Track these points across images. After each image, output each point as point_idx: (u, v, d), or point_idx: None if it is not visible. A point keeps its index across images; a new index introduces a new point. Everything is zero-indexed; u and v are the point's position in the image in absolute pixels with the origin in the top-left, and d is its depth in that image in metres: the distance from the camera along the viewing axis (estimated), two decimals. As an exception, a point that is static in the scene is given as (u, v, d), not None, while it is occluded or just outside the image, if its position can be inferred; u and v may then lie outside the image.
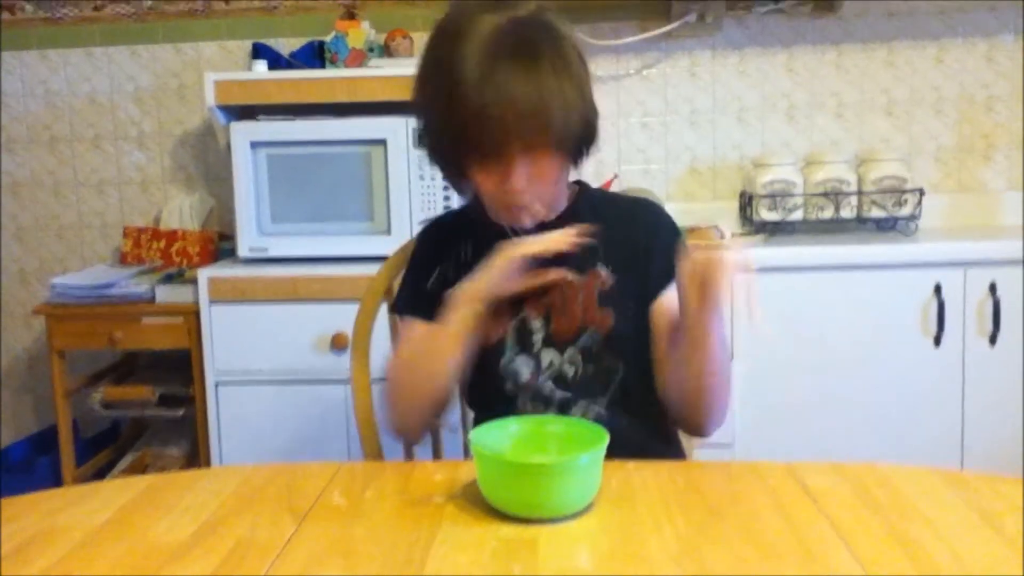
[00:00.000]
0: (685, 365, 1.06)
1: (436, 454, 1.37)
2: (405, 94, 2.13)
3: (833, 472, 0.95)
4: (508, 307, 1.15)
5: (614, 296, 1.15)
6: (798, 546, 0.78)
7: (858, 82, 2.45)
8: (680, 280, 1.01)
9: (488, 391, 1.18)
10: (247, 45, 2.51)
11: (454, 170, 1.15)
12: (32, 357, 2.70)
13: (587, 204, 1.22)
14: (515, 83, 1.03)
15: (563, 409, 1.15)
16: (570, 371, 1.16)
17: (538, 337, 1.17)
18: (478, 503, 0.88)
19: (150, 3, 2.57)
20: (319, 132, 2.12)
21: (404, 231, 2.08)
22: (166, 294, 2.19)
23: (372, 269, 1.39)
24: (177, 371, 2.29)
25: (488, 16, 1.07)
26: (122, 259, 2.49)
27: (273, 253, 2.15)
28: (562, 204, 1.20)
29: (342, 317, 2.00)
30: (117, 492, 0.96)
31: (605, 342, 1.15)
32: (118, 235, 2.60)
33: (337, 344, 2.03)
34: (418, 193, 2.10)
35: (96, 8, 2.58)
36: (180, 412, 2.27)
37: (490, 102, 1.02)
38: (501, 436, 0.93)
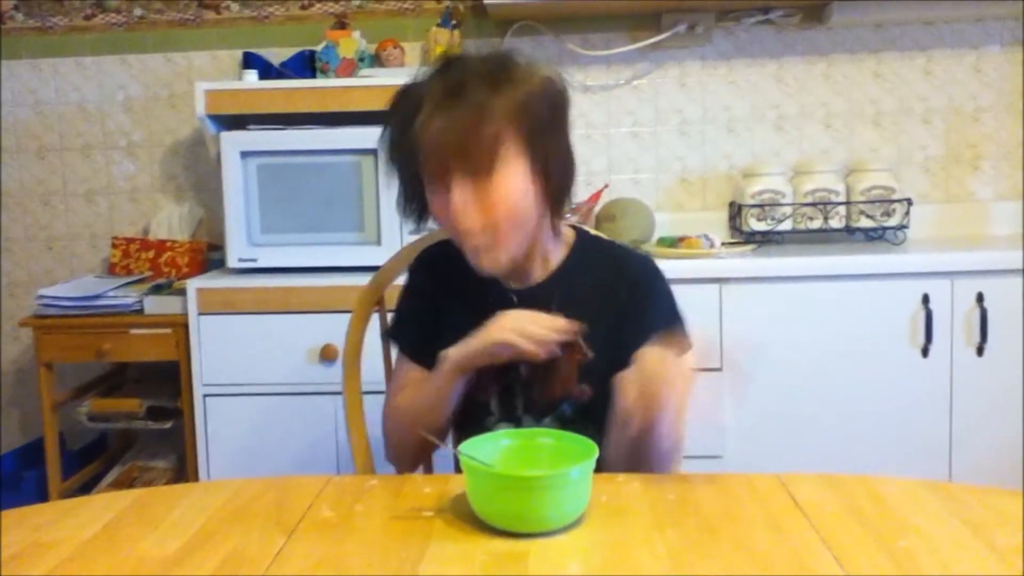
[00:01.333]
0: (620, 443, 1.06)
1: (427, 467, 1.36)
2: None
3: (823, 483, 0.95)
4: (497, 369, 1.15)
5: (594, 368, 1.14)
6: (789, 558, 0.78)
7: (846, 92, 2.47)
8: (622, 383, 1.01)
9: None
10: (238, 55, 2.51)
11: (419, 205, 1.16)
12: (19, 369, 2.68)
13: (579, 260, 1.20)
14: (458, 106, 1.05)
15: None
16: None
17: (519, 403, 1.18)
18: (468, 517, 0.87)
19: (141, 12, 2.56)
20: (310, 142, 2.12)
21: (394, 241, 2.08)
22: (155, 305, 2.18)
23: (362, 280, 1.39)
24: (165, 383, 2.28)
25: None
26: (110, 270, 2.48)
27: (263, 263, 2.14)
28: (555, 255, 1.20)
29: (331, 328, 2.00)
30: (104, 506, 0.95)
31: (582, 412, 1.16)
32: (107, 246, 2.59)
33: (326, 356, 2.03)
34: (408, 203, 2.09)
35: (87, 17, 2.57)
36: (168, 424, 2.25)
37: (432, 116, 1.06)
38: (491, 449, 0.93)
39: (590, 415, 1.14)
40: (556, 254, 1.20)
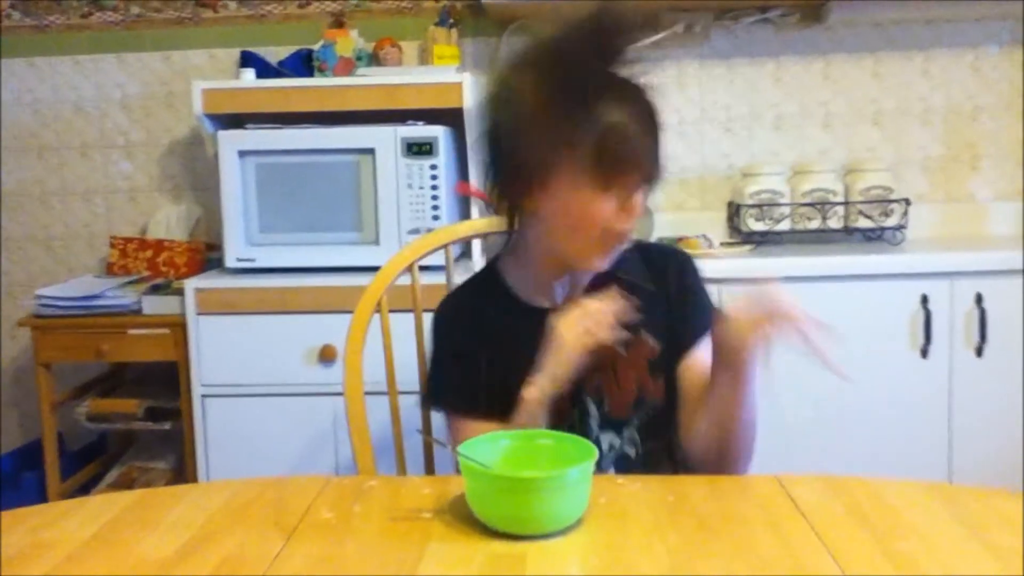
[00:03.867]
0: (713, 426, 1.06)
1: (428, 469, 1.36)
2: (394, 103, 2.15)
3: (822, 485, 0.95)
4: (566, 393, 1.09)
5: (659, 365, 1.12)
6: (788, 561, 0.78)
7: (845, 92, 2.47)
8: (715, 347, 1.00)
9: None
10: (235, 53, 2.50)
11: (530, 199, 1.09)
12: (18, 369, 2.68)
13: (626, 258, 1.16)
14: (634, 108, 1.04)
15: None
16: (631, 451, 1.14)
17: (594, 421, 1.13)
18: (467, 518, 0.87)
19: (138, 11, 2.56)
20: (307, 141, 2.12)
21: (393, 241, 2.08)
22: (153, 305, 2.18)
23: (361, 279, 1.38)
24: (164, 384, 2.27)
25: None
26: (109, 270, 2.47)
27: (261, 263, 2.14)
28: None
29: (330, 329, 1.99)
30: (103, 507, 0.95)
31: (659, 414, 1.12)
32: (105, 245, 2.59)
33: (325, 356, 2.02)
34: (407, 203, 2.09)
35: (84, 16, 2.57)
36: (167, 425, 2.25)
37: (627, 121, 1.03)
38: (490, 451, 0.93)
39: (663, 417, 1.12)
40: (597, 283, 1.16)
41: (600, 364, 1.10)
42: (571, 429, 1.11)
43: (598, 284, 1.13)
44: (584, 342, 1.04)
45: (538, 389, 1.07)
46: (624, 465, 1.13)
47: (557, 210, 1.08)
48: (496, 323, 1.16)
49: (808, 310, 0.97)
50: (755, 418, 1.07)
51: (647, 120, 1.06)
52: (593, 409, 1.13)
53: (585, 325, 1.05)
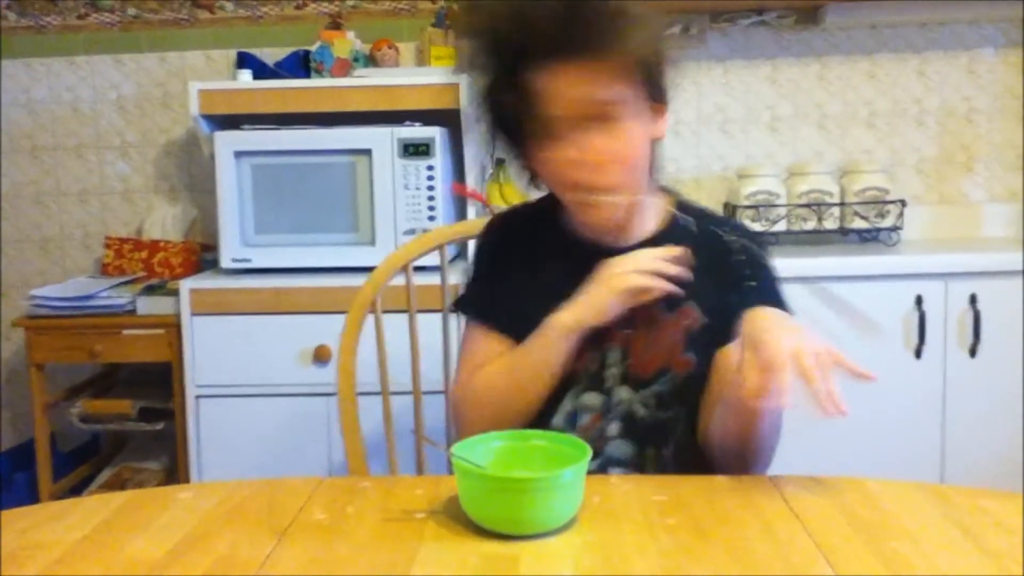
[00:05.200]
0: (732, 424, 1.01)
1: (419, 469, 1.36)
2: (390, 104, 2.15)
3: (816, 486, 0.95)
4: (591, 337, 1.05)
5: (699, 339, 1.07)
6: (781, 561, 0.78)
7: (841, 94, 2.47)
8: (744, 364, 0.91)
9: (533, 423, 1.08)
10: (232, 54, 2.50)
11: (518, 151, 1.07)
12: (10, 370, 2.67)
13: (682, 227, 1.11)
14: (577, 52, 0.97)
15: (613, 461, 1.08)
16: (640, 412, 1.08)
17: (613, 372, 1.08)
18: (460, 519, 0.87)
19: (134, 12, 2.55)
20: (304, 142, 2.12)
21: (389, 242, 2.08)
22: (147, 306, 2.17)
23: (356, 280, 1.38)
24: (158, 384, 2.27)
25: None
26: (103, 270, 2.47)
27: (256, 264, 2.14)
28: (652, 218, 1.11)
29: (325, 329, 1.99)
30: (95, 508, 0.94)
31: (679, 390, 1.08)
32: (100, 246, 2.58)
33: (320, 356, 2.02)
34: (403, 203, 2.09)
35: (80, 17, 2.56)
36: (160, 426, 2.24)
37: (549, 64, 0.97)
38: (483, 451, 0.93)
39: (686, 393, 1.08)
40: (652, 218, 1.12)
41: (636, 316, 1.04)
42: (587, 375, 1.07)
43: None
44: (629, 284, 1.00)
45: (568, 317, 1.03)
46: (630, 423, 1.08)
47: (536, 171, 1.08)
48: (542, 249, 1.13)
49: (818, 348, 0.90)
50: (778, 426, 1.03)
51: (597, 57, 0.98)
52: (614, 359, 1.08)
53: (635, 268, 1.01)
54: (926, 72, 2.45)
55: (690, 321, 1.07)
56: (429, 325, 1.42)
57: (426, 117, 2.12)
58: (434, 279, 1.44)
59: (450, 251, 1.47)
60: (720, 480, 0.97)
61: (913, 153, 2.48)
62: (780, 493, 0.93)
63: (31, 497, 2.27)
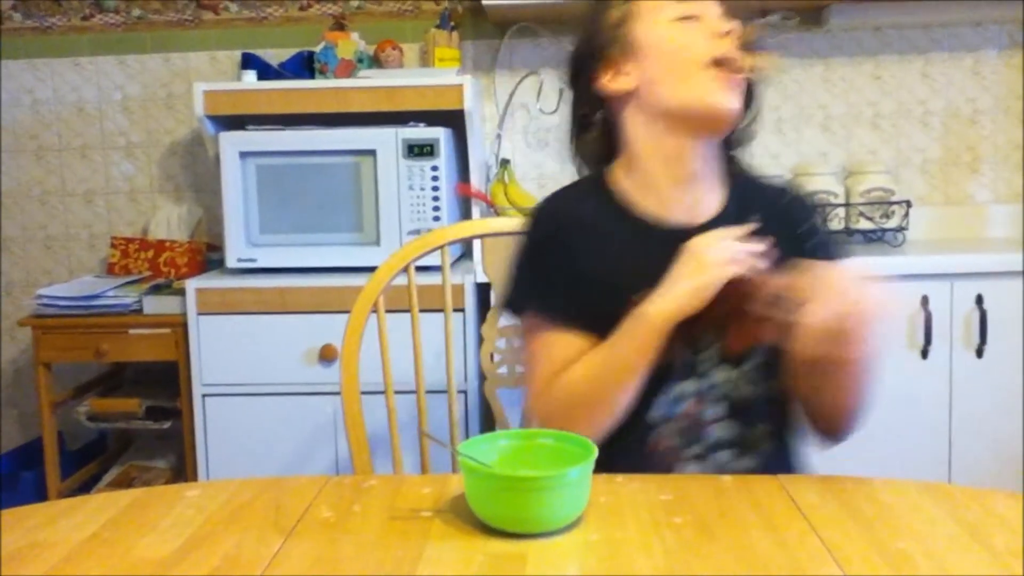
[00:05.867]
0: (818, 382, 1.00)
1: (423, 467, 1.36)
2: (394, 105, 2.16)
3: (821, 485, 0.95)
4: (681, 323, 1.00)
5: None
6: (787, 561, 0.78)
7: (845, 95, 2.47)
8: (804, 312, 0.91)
9: (627, 421, 1.03)
10: (236, 55, 2.51)
11: (622, 76, 1.06)
12: (17, 369, 2.68)
13: (744, 192, 1.10)
14: None
15: (720, 447, 1.05)
16: (745, 391, 1.05)
17: (708, 355, 1.05)
18: (466, 517, 0.87)
19: (139, 13, 2.56)
20: (308, 142, 2.12)
21: (393, 242, 2.08)
22: (153, 305, 2.18)
23: (361, 280, 1.38)
24: (164, 383, 2.28)
25: None
26: (109, 270, 2.48)
27: (262, 264, 2.14)
28: (717, 192, 1.09)
29: (331, 328, 1.99)
30: (102, 507, 0.95)
31: (775, 358, 1.04)
32: (105, 246, 2.59)
33: (325, 356, 2.03)
34: (407, 203, 2.10)
35: (84, 18, 2.57)
36: (167, 425, 2.25)
37: None
38: (490, 449, 0.93)
39: (777, 365, 1.04)
40: (717, 192, 1.10)
41: (727, 297, 0.99)
42: (680, 363, 1.04)
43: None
44: (727, 272, 0.96)
45: (664, 309, 0.97)
46: (733, 403, 1.05)
47: (652, 62, 1.04)
48: (603, 231, 1.08)
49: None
50: (866, 382, 1.02)
51: None
52: (707, 342, 1.04)
53: (731, 252, 0.97)
54: (930, 74, 2.45)
55: (771, 288, 1.03)
56: (432, 324, 1.42)
57: (430, 118, 2.12)
58: (438, 279, 1.45)
59: (454, 251, 1.47)
60: (726, 479, 0.97)
61: (918, 154, 2.47)
62: (786, 492, 0.93)
63: (38, 495, 2.27)
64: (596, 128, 1.11)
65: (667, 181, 1.08)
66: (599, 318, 1.02)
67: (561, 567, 0.79)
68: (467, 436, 1.92)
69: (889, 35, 2.45)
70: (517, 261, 1.11)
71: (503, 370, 1.42)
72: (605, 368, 1.02)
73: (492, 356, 1.42)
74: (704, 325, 1.01)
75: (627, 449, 1.04)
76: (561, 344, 1.05)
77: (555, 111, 2.49)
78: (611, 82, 1.08)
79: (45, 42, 2.58)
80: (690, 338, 1.03)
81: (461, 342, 1.99)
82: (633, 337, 1.00)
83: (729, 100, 1.03)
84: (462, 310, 2.00)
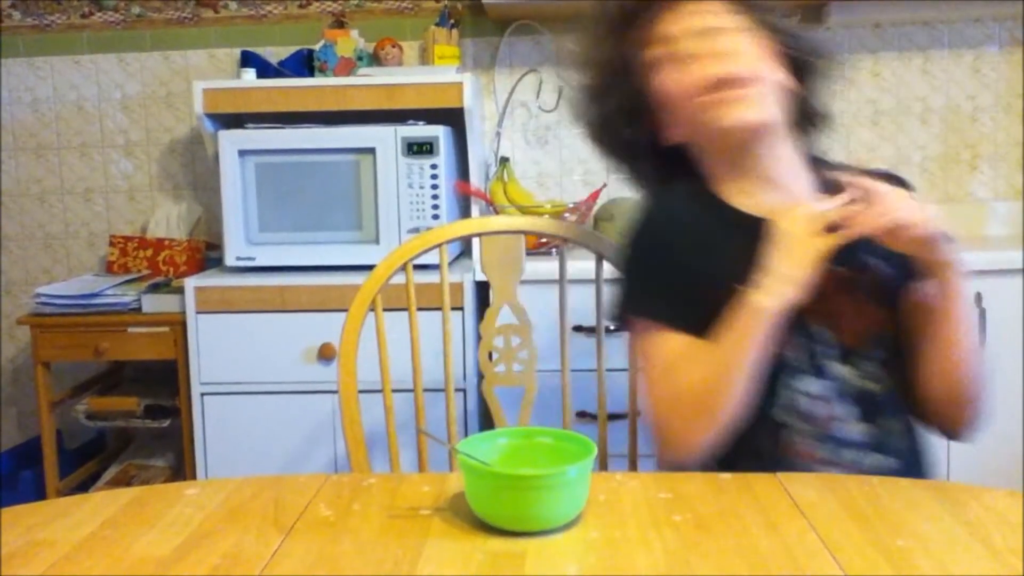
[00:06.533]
0: (934, 359, 0.99)
1: (421, 465, 1.36)
2: (394, 103, 2.16)
3: (821, 483, 0.95)
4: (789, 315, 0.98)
5: (888, 290, 1.03)
6: (787, 559, 0.78)
7: (844, 92, 2.47)
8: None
9: (749, 418, 1.01)
10: (236, 53, 2.51)
11: (649, 123, 1.08)
12: (16, 368, 2.68)
13: (830, 176, 1.08)
14: None
15: (863, 447, 1.03)
16: (875, 387, 1.03)
17: (823, 350, 1.02)
18: (465, 516, 0.87)
19: (138, 11, 2.56)
20: (308, 141, 2.12)
21: (392, 240, 2.08)
22: (152, 304, 2.18)
23: (360, 279, 1.38)
24: (163, 382, 2.28)
25: None
26: (108, 268, 2.48)
27: (261, 262, 2.14)
28: (804, 190, 1.08)
29: (330, 327, 1.99)
30: (101, 505, 0.95)
31: (895, 349, 1.02)
32: (104, 244, 2.59)
33: (324, 354, 2.03)
34: (407, 202, 2.10)
35: (84, 16, 2.57)
36: (166, 423, 2.25)
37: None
38: (489, 448, 0.93)
39: (895, 357, 1.03)
40: (805, 179, 1.09)
41: (824, 286, 0.97)
42: (796, 358, 1.01)
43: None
44: (821, 244, 0.94)
45: (772, 294, 0.95)
46: (860, 400, 1.02)
47: (664, 100, 1.07)
48: (702, 227, 1.07)
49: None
50: (982, 368, 1.03)
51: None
52: (821, 336, 1.01)
53: (818, 223, 0.95)
54: (930, 71, 2.45)
55: (875, 274, 1.02)
56: (431, 323, 1.42)
57: (430, 116, 2.12)
58: (436, 277, 1.44)
59: (452, 249, 1.47)
60: (726, 477, 0.97)
61: (918, 151, 2.47)
62: (786, 490, 0.93)
63: (37, 494, 2.27)
64: (651, 156, 1.13)
65: (749, 183, 1.08)
66: (709, 315, 1.01)
67: (560, 565, 0.79)
68: (465, 435, 1.92)
69: (889, 32, 2.44)
70: (622, 270, 1.11)
71: (501, 368, 1.42)
72: (719, 364, 0.99)
73: (490, 354, 1.42)
74: (817, 319, 1.00)
75: (757, 451, 1.02)
76: (674, 344, 1.03)
77: (555, 109, 2.49)
78: (646, 130, 1.10)
79: (44, 40, 2.58)
80: (806, 333, 1.01)
81: (460, 340, 1.99)
82: (744, 328, 0.97)
83: (739, 115, 1.03)
84: (461, 308, 1.99)
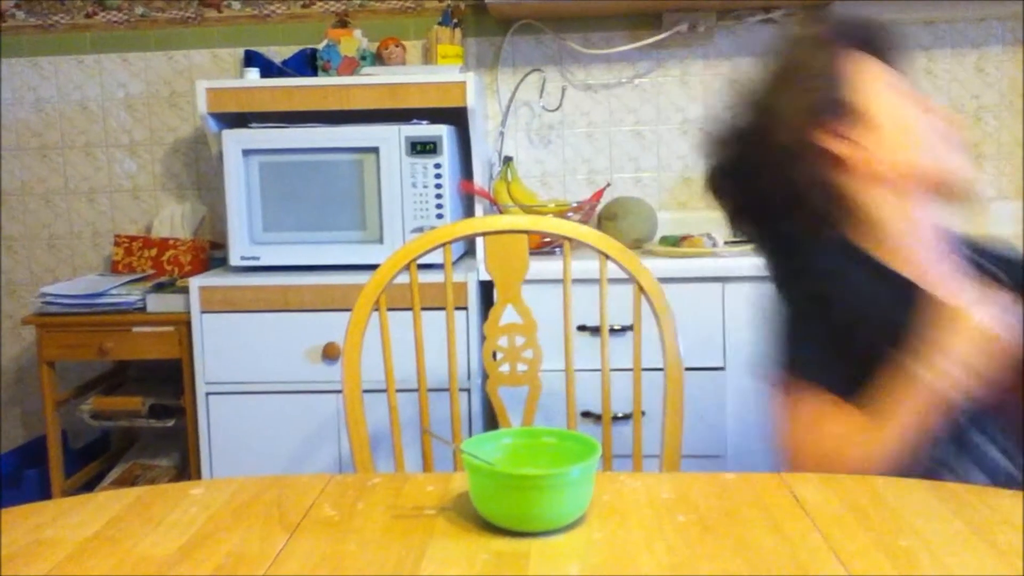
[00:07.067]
0: None
1: (426, 465, 1.37)
2: (397, 102, 2.16)
3: (823, 483, 0.95)
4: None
5: None
6: (790, 559, 0.78)
7: (848, 92, 2.46)
8: None
9: None
10: (239, 53, 2.51)
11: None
12: (21, 368, 2.68)
13: (977, 255, 1.11)
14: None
15: None
16: None
17: (986, 432, 1.01)
18: (470, 515, 0.87)
19: (142, 11, 2.56)
20: (311, 140, 2.12)
21: (396, 240, 2.08)
22: (157, 303, 2.18)
23: (364, 278, 1.39)
24: (168, 381, 2.28)
25: None
26: (113, 268, 2.48)
27: (265, 262, 2.15)
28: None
29: (334, 327, 2.00)
30: (105, 504, 0.95)
31: None
32: (109, 244, 2.59)
33: (328, 354, 2.03)
34: (410, 201, 2.10)
35: (88, 16, 2.57)
36: (170, 423, 2.26)
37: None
38: (493, 447, 0.93)
39: None
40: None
41: (1003, 378, 0.94)
42: (955, 438, 0.98)
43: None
44: (999, 339, 0.92)
45: (944, 373, 0.92)
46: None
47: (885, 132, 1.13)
48: (860, 290, 1.05)
49: None
50: None
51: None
52: (983, 420, 1.00)
53: (999, 314, 0.91)
54: (934, 70, 2.44)
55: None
56: (435, 322, 1.42)
57: (433, 115, 2.12)
58: (440, 277, 1.45)
59: (456, 249, 1.47)
60: (729, 477, 0.98)
61: (921, 150, 2.47)
62: (789, 490, 0.93)
63: (42, 494, 2.28)
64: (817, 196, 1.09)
65: (911, 242, 1.06)
66: (863, 375, 0.99)
67: (564, 566, 0.79)
68: (469, 434, 1.92)
69: (891, 32, 2.44)
70: (783, 331, 1.09)
71: (505, 368, 1.42)
72: (878, 438, 0.98)
73: (494, 354, 1.43)
74: (990, 412, 0.98)
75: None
76: (829, 408, 1.01)
77: (558, 108, 2.49)
78: (840, 148, 1.08)
79: (48, 40, 2.59)
80: (970, 415, 0.99)
81: (464, 340, 1.99)
82: (907, 404, 0.96)
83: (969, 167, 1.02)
84: (465, 308, 2.00)
